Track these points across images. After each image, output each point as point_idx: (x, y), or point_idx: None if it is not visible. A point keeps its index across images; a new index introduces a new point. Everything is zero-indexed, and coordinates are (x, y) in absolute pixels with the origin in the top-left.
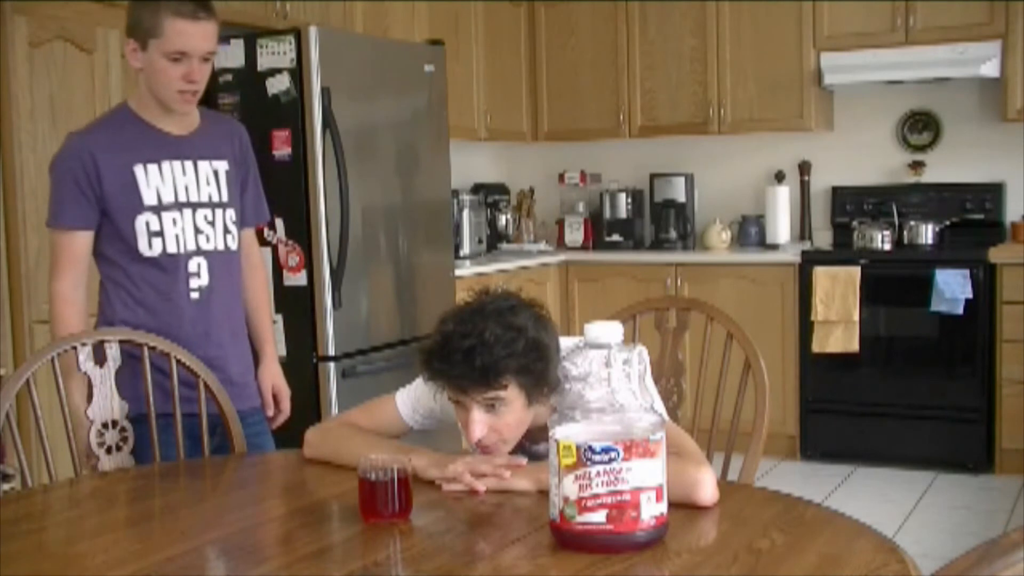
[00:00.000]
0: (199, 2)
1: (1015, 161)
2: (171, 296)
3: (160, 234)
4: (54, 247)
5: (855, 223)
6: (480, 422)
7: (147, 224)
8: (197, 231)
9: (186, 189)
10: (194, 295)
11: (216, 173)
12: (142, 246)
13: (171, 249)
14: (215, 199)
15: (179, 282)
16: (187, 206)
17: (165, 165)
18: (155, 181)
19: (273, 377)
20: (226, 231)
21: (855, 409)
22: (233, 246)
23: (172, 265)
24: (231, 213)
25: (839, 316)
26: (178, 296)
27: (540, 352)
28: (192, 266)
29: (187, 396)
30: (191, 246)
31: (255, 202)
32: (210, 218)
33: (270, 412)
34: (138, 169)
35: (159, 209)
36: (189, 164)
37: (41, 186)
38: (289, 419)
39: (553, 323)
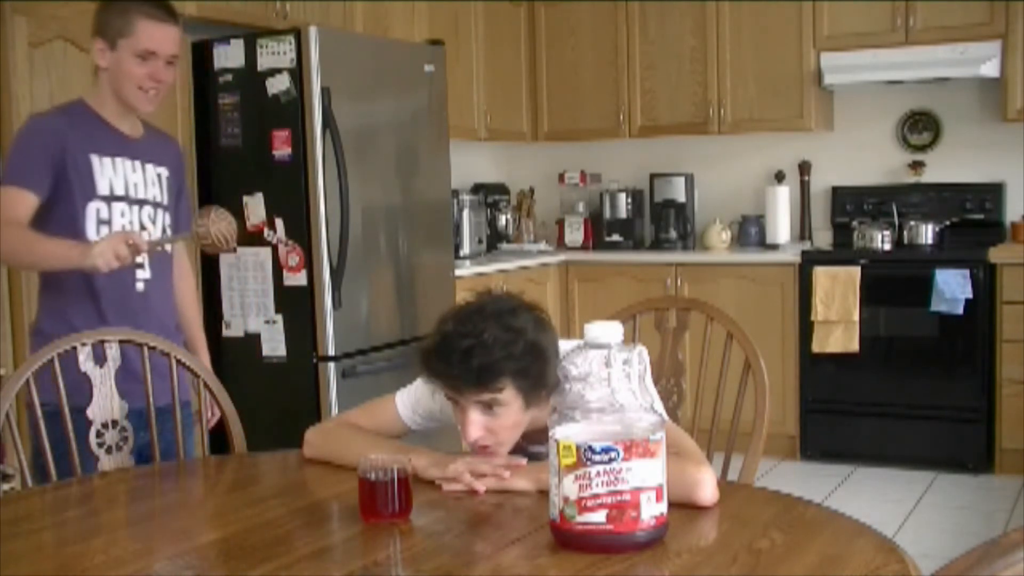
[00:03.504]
0: (166, 8)
1: (1015, 161)
2: (115, 285)
3: (108, 223)
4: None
5: (855, 223)
6: (476, 423)
7: (97, 211)
8: (142, 227)
9: (135, 186)
10: (139, 286)
11: (160, 176)
12: (90, 231)
13: None
14: (158, 200)
15: (126, 272)
16: (135, 202)
17: (118, 161)
18: (108, 172)
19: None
20: (164, 232)
21: (855, 409)
22: (169, 248)
23: None
24: (168, 217)
25: (839, 316)
26: (124, 286)
27: (538, 355)
28: (139, 258)
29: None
30: None
31: (187, 215)
32: (153, 217)
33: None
34: (94, 158)
35: (110, 199)
36: (138, 164)
37: None
38: (290, 419)
39: (553, 327)
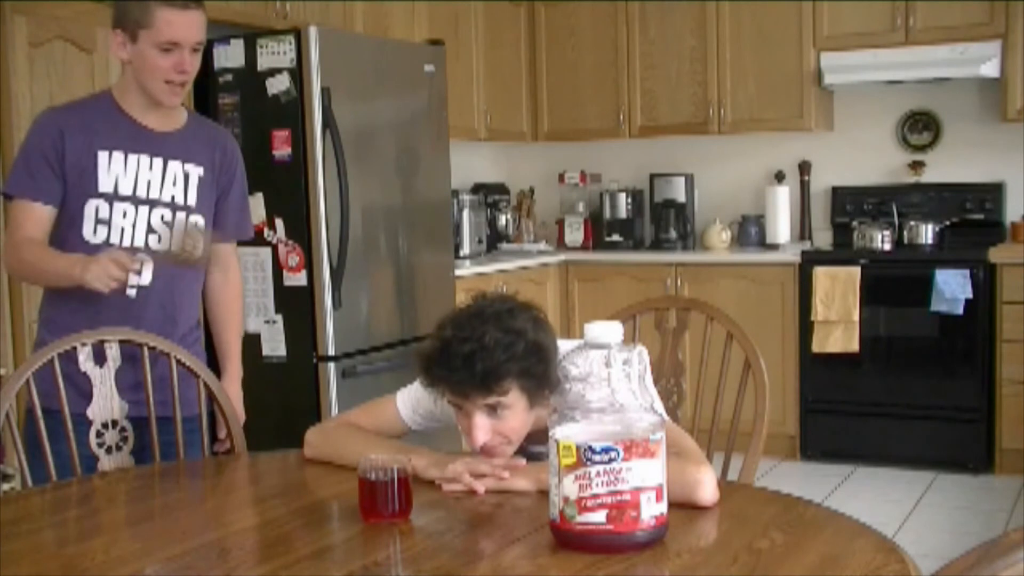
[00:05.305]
0: None
1: (1015, 161)
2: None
3: (107, 223)
4: (12, 217)
5: (855, 223)
6: (483, 427)
7: (96, 210)
8: (150, 229)
9: (148, 185)
10: (131, 291)
11: (187, 176)
12: (87, 231)
13: (115, 240)
14: (179, 201)
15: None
16: (144, 202)
17: (131, 157)
18: (116, 169)
19: (231, 396)
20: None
21: (855, 409)
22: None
23: None
24: (197, 219)
25: (839, 316)
26: (115, 291)
27: (540, 355)
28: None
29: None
30: (139, 242)
31: (237, 216)
32: (168, 219)
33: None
34: (101, 154)
35: (112, 198)
36: (158, 161)
37: None
38: (290, 419)
39: (551, 325)
